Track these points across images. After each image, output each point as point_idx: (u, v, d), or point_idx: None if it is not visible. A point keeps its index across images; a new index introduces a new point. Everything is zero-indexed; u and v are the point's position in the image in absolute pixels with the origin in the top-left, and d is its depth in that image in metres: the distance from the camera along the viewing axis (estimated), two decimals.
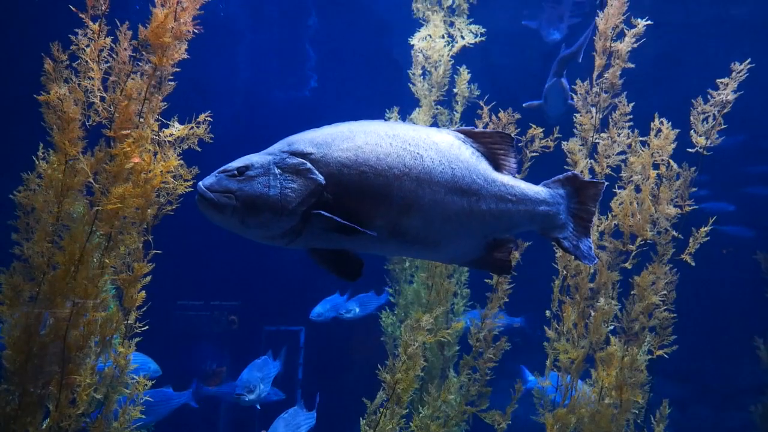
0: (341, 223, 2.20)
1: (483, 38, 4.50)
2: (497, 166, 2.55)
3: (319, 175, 2.23)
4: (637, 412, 4.29)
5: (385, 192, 2.28)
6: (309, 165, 2.25)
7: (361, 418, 4.05)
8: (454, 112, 4.62)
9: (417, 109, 4.67)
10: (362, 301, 7.01)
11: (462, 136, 2.52)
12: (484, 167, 2.49)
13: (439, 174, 2.36)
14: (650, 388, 4.22)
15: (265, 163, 2.25)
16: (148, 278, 3.35)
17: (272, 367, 6.03)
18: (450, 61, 4.55)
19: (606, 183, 2.69)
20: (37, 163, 3.09)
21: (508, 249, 2.58)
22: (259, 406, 5.89)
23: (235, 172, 2.23)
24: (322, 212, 2.21)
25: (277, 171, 2.24)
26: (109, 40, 3.15)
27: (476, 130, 2.55)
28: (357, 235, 2.24)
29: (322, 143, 2.29)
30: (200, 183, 2.24)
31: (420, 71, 4.62)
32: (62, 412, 3.10)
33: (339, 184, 2.25)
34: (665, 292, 4.10)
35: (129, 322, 3.31)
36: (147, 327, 3.35)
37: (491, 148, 2.55)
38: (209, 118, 3.27)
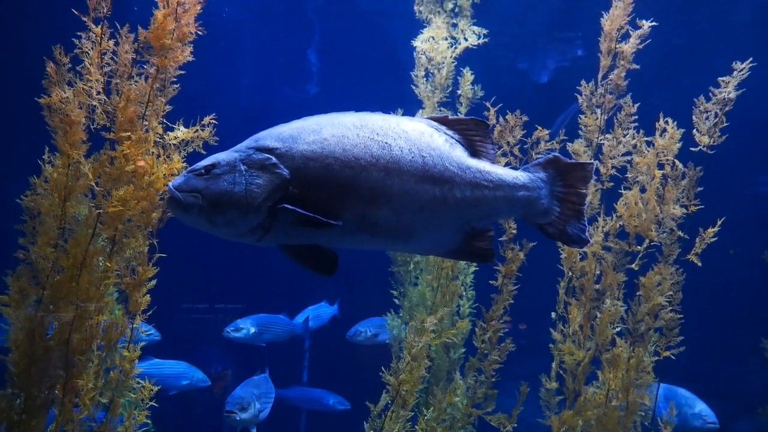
0: (305, 215, 2.18)
1: (486, 40, 4.49)
2: (474, 153, 2.48)
3: (284, 170, 2.22)
4: (643, 414, 4.26)
5: (351, 183, 2.25)
6: (274, 160, 2.24)
7: (365, 422, 4.03)
8: (458, 114, 4.61)
9: (420, 110, 4.66)
10: (261, 321, 6.22)
11: (435, 123, 2.47)
12: (458, 154, 2.43)
13: (409, 163, 2.31)
14: (657, 390, 4.20)
15: (232, 160, 2.25)
16: (153, 282, 3.34)
17: (271, 388, 5.46)
18: (453, 62, 4.54)
19: (595, 163, 2.62)
20: (42, 166, 3.10)
21: (488, 237, 2.52)
22: (255, 430, 5.13)
23: (203, 170, 2.24)
24: (287, 206, 2.20)
25: (243, 168, 2.24)
26: (111, 42, 3.15)
27: (450, 117, 2.51)
28: (325, 228, 2.22)
29: (288, 138, 2.28)
30: (170, 184, 2.24)
31: (423, 73, 4.61)
32: (66, 416, 3.09)
33: (305, 178, 2.23)
34: (671, 292, 4.08)
35: (134, 326, 3.31)
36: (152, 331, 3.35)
37: (467, 135, 2.49)
38: (214, 121, 3.27)
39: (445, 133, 2.46)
